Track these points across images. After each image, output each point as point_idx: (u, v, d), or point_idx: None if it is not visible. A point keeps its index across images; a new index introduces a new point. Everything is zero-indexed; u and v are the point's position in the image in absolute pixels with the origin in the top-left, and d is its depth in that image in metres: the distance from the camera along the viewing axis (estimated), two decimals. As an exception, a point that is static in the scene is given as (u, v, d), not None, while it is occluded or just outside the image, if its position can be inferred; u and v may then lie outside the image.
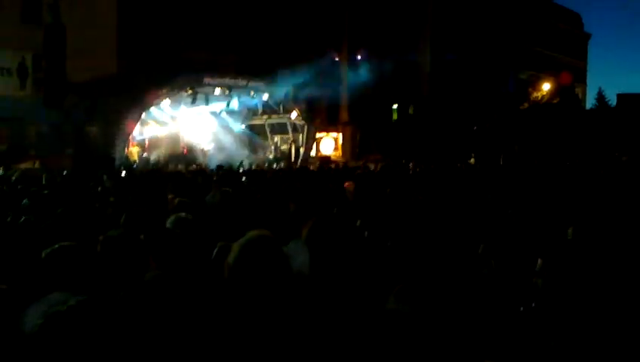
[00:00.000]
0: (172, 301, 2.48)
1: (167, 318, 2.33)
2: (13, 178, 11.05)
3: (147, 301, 2.35)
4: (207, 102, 25.29)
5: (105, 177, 11.05)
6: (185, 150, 28.22)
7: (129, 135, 22.50)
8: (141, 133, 26.38)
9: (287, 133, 29.34)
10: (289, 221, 5.21)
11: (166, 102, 23.67)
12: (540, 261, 2.94)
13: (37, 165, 18.41)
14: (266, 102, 26.11)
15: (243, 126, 29.85)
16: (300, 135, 28.40)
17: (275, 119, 29.06)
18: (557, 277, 3.08)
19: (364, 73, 32.42)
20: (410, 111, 37.39)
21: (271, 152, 29.13)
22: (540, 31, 47.63)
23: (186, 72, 22.55)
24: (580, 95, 50.47)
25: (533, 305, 2.81)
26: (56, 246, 2.56)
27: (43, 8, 17.90)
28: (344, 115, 34.24)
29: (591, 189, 7.34)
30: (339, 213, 5.32)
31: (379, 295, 2.51)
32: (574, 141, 28.73)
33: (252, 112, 29.07)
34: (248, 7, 27.13)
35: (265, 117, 29.00)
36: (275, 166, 23.15)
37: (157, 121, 26.96)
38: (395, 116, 37.39)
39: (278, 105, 26.75)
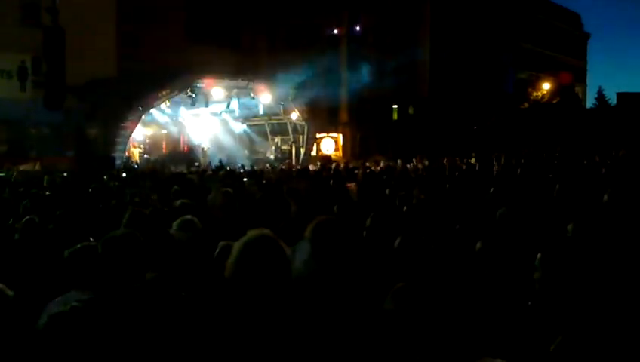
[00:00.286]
0: (173, 301, 2.49)
1: (168, 318, 2.33)
2: (13, 179, 11.07)
3: (148, 301, 2.35)
4: (206, 103, 25.30)
5: (105, 178, 11.06)
6: (186, 151, 28.25)
7: (129, 136, 22.51)
8: (142, 135, 26.39)
9: (287, 133, 29.35)
10: (290, 221, 5.22)
11: (166, 104, 23.68)
12: (539, 255, 2.94)
13: (37, 167, 18.43)
14: (267, 102, 26.11)
15: (244, 126, 29.87)
16: (301, 135, 28.40)
17: (275, 120, 29.09)
18: (556, 274, 3.08)
19: (364, 73, 32.43)
20: (410, 111, 37.39)
21: (271, 153, 29.13)
22: (539, 31, 47.63)
23: (185, 74, 22.56)
24: (580, 94, 50.47)
25: (530, 302, 2.81)
26: (79, 246, 2.55)
27: (42, 11, 17.91)
28: (344, 116, 34.24)
29: (591, 187, 7.33)
30: (341, 213, 5.32)
31: (378, 294, 2.51)
32: (575, 140, 28.70)
33: (252, 113, 29.09)
34: (248, 7, 27.14)
35: (265, 118, 29.02)
36: (275, 166, 23.15)
37: (157, 123, 26.98)
38: (395, 116, 37.39)
39: (278, 106, 26.75)
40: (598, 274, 3.04)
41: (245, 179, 11.34)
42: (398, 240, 3.47)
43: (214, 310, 2.37)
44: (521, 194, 7.07)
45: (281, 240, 2.40)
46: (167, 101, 23.27)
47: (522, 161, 16.66)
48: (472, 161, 19.07)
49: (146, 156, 25.65)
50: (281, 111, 27.14)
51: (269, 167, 20.77)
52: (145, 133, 26.99)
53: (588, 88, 56.14)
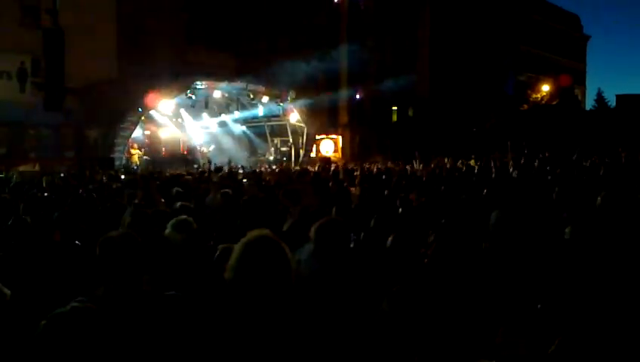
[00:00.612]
0: (172, 302, 2.49)
1: (167, 319, 2.33)
2: (13, 180, 11.07)
3: (147, 302, 2.35)
4: (206, 105, 25.31)
5: (104, 179, 11.06)
6: (185, 152, 28.26)
7: (129, 138, 22.53)
8: (141, 136, 26.40)
9: (286, 135, 29.37)
10: (288, 221, 5.22)
11: (166, 105, 23.69)
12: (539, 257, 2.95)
13: (36, 168, 18.43)
14: (266, 103, 26.13)
15: (243, 128, 29.90)
16: (300, 137, 28.43)
17: (274, 121, 29.11)
18: (555, 277, 3.09)
19: (364, 75, 32.47)
20: (410, 112, 37.43)
21: (271, 154, 29.15)
22: (539, 33, 47.71)
23: (185, 75, 22.58)
24: (580, 96, 50.50)
25: (539, 305, 2.81)
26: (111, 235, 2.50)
27: (41, 12, 17.92)
28: (344, 117, 34.28)
29: (590, 189, 7.34)
30: (340, 215, 5.32)
31: (376, 295, 2.52)
32: (574, 142, 28.73)
33: (252, 115, 29.10)
34: (248, 9, 27.17)
35: (264, 119, 29.04)
36: (275, 167, 23.16)
37: (157, 124, 26.99)
38: (394, 118, 37.42)
39: (277, 107, 26.78)
40: (597, 276, 3.05)
41: (244, 181, 11.34)
42: (389, 240, 3.48)
43: (215, 311, 2.37)
44: (519, 196, 7.08)
45: (282, 241, 2.40)
46: (166, 102, 23.27)
47: (521, 162, 16.66)
48: (472, 162, 19.08)
49: (145, 157, 25.64)
50: (281, 112, 27.17)
51: (268, 168, 20.78)
52: (144, 135, 27.00)
53: (587, 90, 56.21)
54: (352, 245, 4.16)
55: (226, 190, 7.20)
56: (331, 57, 30.79)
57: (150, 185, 7.93)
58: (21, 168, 17.31)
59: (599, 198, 5.02)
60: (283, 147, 29.79)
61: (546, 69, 45.85)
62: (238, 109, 27.21)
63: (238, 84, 24.32)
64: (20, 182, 10.37)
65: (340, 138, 32.57)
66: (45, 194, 7.95)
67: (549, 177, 10.48)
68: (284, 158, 27.82)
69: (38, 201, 6.34)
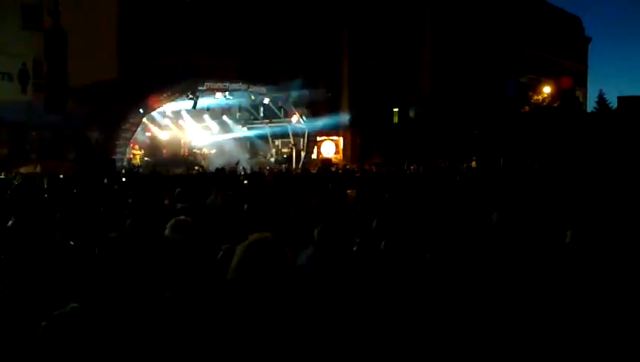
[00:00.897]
0: (173, 303, 2.49)
1: (167, 319, 2.33)
2: (15, 182, 11.07)
3: (146, 302, 2.36)
4: (208, 106, 25.34)
5: (105, 180, 11.07)
6: (186, 153, 28.29)
7: (130, 139, 22.55)
8: (142, 137, 26.44)
9: (288, 137, 29.39)
10: (289, 224, 5.23)
11: (167, 106, 23.72)
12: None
13: (38, 169, 18.45)
14: (267, 105, 26.16)
15: (244, 129, 29.92)
16: (301, 139, 28.44)
17: (276, 123, 29.14)
18: (556, 280, 3.09)
19: (365, 77, 32.48)
20: (411, 114, 37.42)
21: (272, 155, 29.17)
22: (540, 35, 47.69)
23: (186, 77, 22.59)
24: (581, 98, 50.43)
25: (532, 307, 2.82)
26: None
27: (43, 14, 17.96)
28: (344, 119, 34.28)
29: (591, 192, 7.35)
30: (341, 218, 5.34)
31: (378, 297, 2.52)
32: (575, 144, 28.71)
33: (253, 116, 29.13)
34: (248, 10, 27.20)
35: (266, 121, 29.07)
36: (275, 169, 23.18)
37: (158, 125, 27.03)
38: (395, 119, 37.42)
39: (279, 109, 26.81)
40: (596, 279, 3.05)
41: (245, 182, 11.35)
42: (383, 242, 3.49)
43: (215, 312, 2.38)
44: (518, 197, 7.08)
45: (283, 243, 2.41)
46: (168, 104, 23.30)
47: (521, 165, 16.67)
48: (473, 164, 19.11)
49: (146, 159, 25.68)
50: (282, 114, 27.20)
51: (268, 170, 20.79)
52: (146, 136, 27.03)
53: (589, 92, 56.17)
54: (354, 248, 4.17)
55: (227, 191, 7.21)
56: (333, 58, 30.83)
57: (152, 186, 7.95)
58: (22, 169, 17.33)
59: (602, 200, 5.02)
60: (284, 149, 29.81)
61: (547, 71, 45.82)
62: (239, 111, 27.22)
63: (240, 86, 24.35)
64: (21, 184, 10.37)
65: (341, 140, 32.58)
66: (46, 195, 7.95)
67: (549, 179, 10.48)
68: (287, 161, 27.84)
69: (39, 203, 6.36)
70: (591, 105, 49.53)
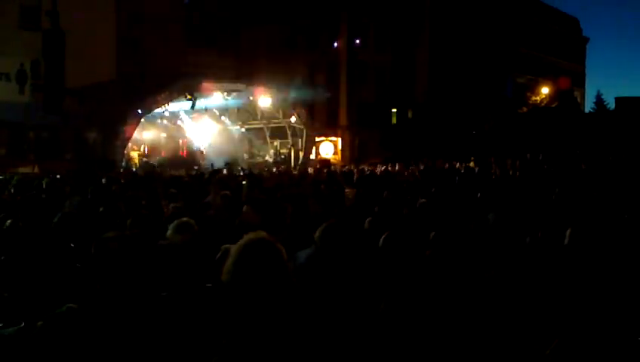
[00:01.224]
0: (170, 303, 2.49)
1: (165, 320, 2.33)
2: (13, 183, 11.04)
3: (143, 303, 2.35)
4: (206, 107, 25.31)
5: (104, 180, 11.05)
6: (185, 154, 28.26)
7: (128, 139, 22.52)
8: (141, 138, 26.40)
9: (286, 137, 29.37)
10: (288, 223, 5.23)
11: (165, 107, 23.69)
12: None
13: (36, 170, 18.42)
14: (266, 106, 26.14)
15: (243, 130, 29.90)
16: (300, 139, 28.43)
17: (274, 123, 29.12)
18: (553, 280, 3.10)
19: (363, 77, 32.51)
20: (410, 115, 37.45)
21: (270, 156, 29.15)
22: (538, 35, 47.74)
23: (185, 77, 22.58)
24: (579, 99, 50.49)
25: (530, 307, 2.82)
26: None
27: (41, 14, 17.95)
28: (343, 119, 34.30)
29: (589, 192, 7.36)
30: (340, 216, 5.33)
31: (377, 296, 2.52)
32: (573, 144, 28.77)
33: (252, 116, 29.12)
34: (248, 10, 27.21)
35: (264, 121, 29.06)
36: (274, 169, 23.18)
37: (157, 126, 27.00)
38: (394, 120, 37.45)
39: (277, 109, 26.80)
40: (595, 278, 3.05)
41: (244, 183, 11.32)
42: (381, 240, 3.49)
43: (212, 312, 2.37)
44: (517, 198, 7.08)
45: (279, 243, 2.41)
46: (166, 104, 23.27)
47: (519, 165, 16.68)
48: (471, 164, 19.10)
49: (145, 159, 25.64)
50: (280, 114, 27.19)
51: (267, 170, 20.78)
52: (144, 136, 27.00)
53: (586, 92, 56.22)
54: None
55: (226, 192, 7.22)
56: (332, 58, 30.84)
57: (154, 187, 7.96)
58: (20, 170, 17.30)
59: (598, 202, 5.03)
60: (283, 149, 29.80)
61: (545, 72, 45.87)
62: (237, 111, 27.22)
63: (238, 85, 24.34)
64: (19, 184, 10.35)
65: (339, 140, 32.59)
66: (44, 196, 7.93)
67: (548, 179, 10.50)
68: (285, 161, 27.82)
69: (37, 203, 6.35)
70: (589, 106, 49.65)
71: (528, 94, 42.32)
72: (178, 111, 26.03)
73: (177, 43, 24.21)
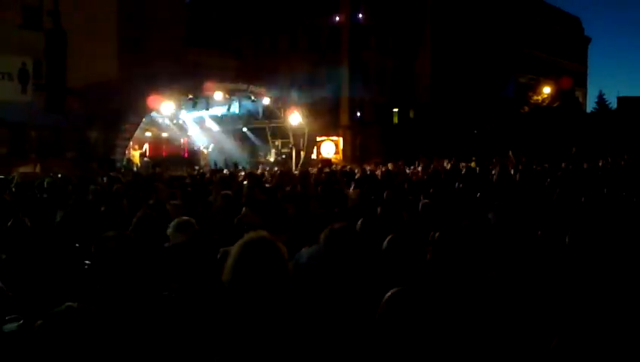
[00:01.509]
0: (170, 302, 2.49)
1: (165, 319, 2.33)
2: (14, 182, 11.06)
3: (144, 302, 2.35)
4: (207, 106, 25.29)
5: (104, 179, 11.06)
6: (186, 154, 28.27)
7: (130, 139, 22.53)
8: (142, 137, 26.40)
9: (287, 136, 29.36)
10: (289, 223, 5.23)
11: (167, 106, 23.69)
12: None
13: (37, 169, 18.44)
14: (267, 105, 26.13)
15: (244, 129, 29.89)
16: (301, 139, 28.41)
17: (275, 123, 29.10)
18: (553, 281, 3.09)
19: (365, 77, 32.51)
20: (411, 115, 37.43)
21: (272, 156, 29.14)
22: (539, 35, 47.70)
23: (186, 76, 22.60)
24: (581, 98, 50.46)
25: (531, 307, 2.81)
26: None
27: (43, 14, 17.98)
28: (344, 119, 34.29)
29: (590, 193, 7.34)
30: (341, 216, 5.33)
31: (374, 298, 2.52)
32: (575, 144, 28.75)
33: (253, 116, 29.11)
34: (249, 10, 27.22)
35: (266, 121, 29.03)
36: (275, 169, 23.17)
37: (158, 125, 27.00)
38: (395, 120, 37.43)
39: (278, 109, 26.78)
40: (594, 278, 3.05)
41: (245, 183, 11.33)
42: (385, 242, 3.49)
43: (213, 312, 2.38)
44: (518, 198, 7.08)
45: (280, 243, 2.41)
46: (167, 103, 23.27)
47: (520, 165, 16.66)
48: (473, 164, 19.09)
49: (146, 159, 25.64)
50: (282, 114, 27.17)
51: (268, 170, 20.78)
52: (145, 136, 27.00)
53: (588, 92, 56.22)
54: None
55: (227, 192, 7.22)
56: (333, 58, 30.84)
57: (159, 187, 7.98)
58: (22, 169, 17.31)
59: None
60: (284, 149, 29.77)
61: (547, 71, 45.84)
62: (239, 111, 27.20)
63: (240, 85, 24.34)
64: (20, 183, 10.36)
65: (340, 140, 32.58)
66: (45, 195, 7.95)
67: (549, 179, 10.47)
68: (286, 161, 27.81)
69: (39, 203, 6.36)
70: (591, 106, 49.64)
71: (530, 94, 42.30)
72: (179, 111, 26.02)
73: (179, 42, 24.22)
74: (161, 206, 6.18)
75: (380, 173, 15.42)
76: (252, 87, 24.46)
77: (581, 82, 54.04)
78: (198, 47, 25.00)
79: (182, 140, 28.78)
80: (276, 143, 30.09)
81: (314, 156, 28.96)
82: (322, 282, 3.23)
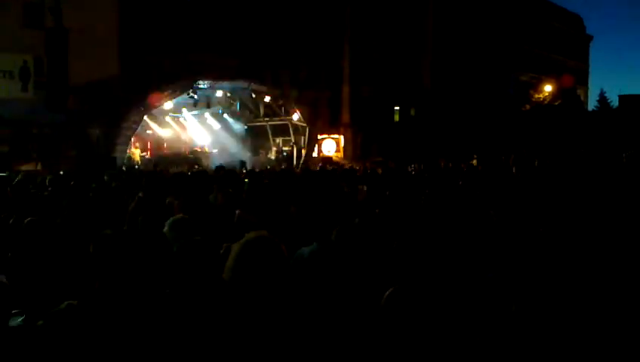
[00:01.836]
0: (169, 300, 2.49)
1: (164, 317, 2.33)
2: (16, 180, 11.07)
3: (144, 301, 2.36)
4: (208, 104, 25.34)
5: (106, 177, 11.06)
6: (187, 151, 28.30)
7: (131, 137, 22.56)
8: (143, 135, 26.44)
9: (288, 134, 29.37)
10: (290, 223, 5.23)
11: (168, 104, 23.71)
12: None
13: (39, 167, 18.46)
14: (268, 103, 26.16)
15: (245, 127, 29.92)
16: (302, 136, 28.44)
17: (276, 121, 29.12)
18: (557, 277, 3.09)
19: (366, 75, 32.45)
20: (412, 112, 37.38)
21: (272, 154, 29.18)
22: (541, 33, 47.61)
23: (187, 75, 22.58)
24: (582, 97, 50.37)
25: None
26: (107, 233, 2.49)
27: (45, 12, 17.97)
28: (345, 117, 34.26)
29: (592, 190, 7.34)
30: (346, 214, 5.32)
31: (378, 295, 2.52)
32: (577, 142, 28.71)
33: (254, 114, 29.12)
34: (249, 8, 27.17)
35: (266, 118, 29.06)
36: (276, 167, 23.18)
37: (159, 123, 27.03)
38: (396, 118, 37.38)
39: (279, 107, 26.80)
40: (594, 277, 3.05)
41: (246, 180, 11.32)
42: (396, 243, 3.48)
43: (212, 310, 2.38)
44: (520, 196, 7.07)
45: (281, 242, 2.41)
46: (169, 102, 23.30)
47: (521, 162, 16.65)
48: (474, 163, 19.11)
49: (147, 157, 25.68)
50: (282, 112, 27.19)
51: (269, 168, 20.79)
52: (146, 134, 27.03)
53: (590, 90, 56.14)
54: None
55: (228, 189, 7.22)
56: (334, 56, 30.76)
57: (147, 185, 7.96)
58: (23, 167, 17.34)
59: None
60: (285, 146, 29.80)
61: (548, 69, 45.76)
62: (239, 108, 27.25)
63: (241, 83, 24.34)
64: (22, 181, 10.37)
65: (341, 137, 32.55)
66: (46, 193, 7.95)
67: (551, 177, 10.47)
68: (287, 158, 27.83)
69: (41, 200, 6.37)
70: (592, 104, 49.49)
71: (531, 92, 42.22)
72: (181, 109, 26.06)
73: (180, 40, 24.18)
74: (153, 200, 6.17)
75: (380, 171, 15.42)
76: (253, 85, 24.47)
77: (582, 80, 53.96)
78: (199, 46, 24.95)
79: (183, 138, 28.81)
80: (277, 141, 30.12)
81: (315, 154, 28.96)
82: (327, 279, 3.24)
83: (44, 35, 16.40)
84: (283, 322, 2.16)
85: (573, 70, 48.99)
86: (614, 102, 44.34)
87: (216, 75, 23.69)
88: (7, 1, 20.97)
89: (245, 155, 27.71)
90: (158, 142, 28.18)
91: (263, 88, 24.99)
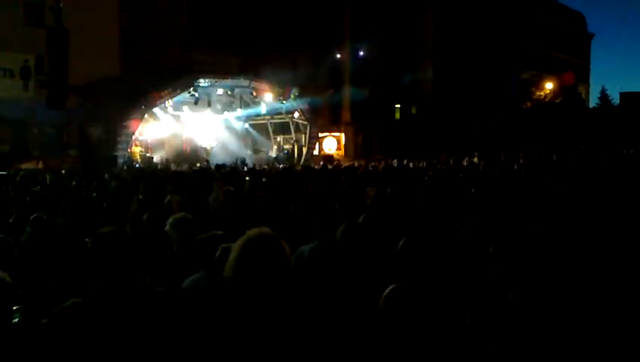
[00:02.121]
0: (168, 298, 2.49)
1: (164, 316, 2.33)
2: (17, 179, 11.08)
3: (145, 299, 2.35)
4: (209, 103, 25.30)
5: (106, 176, 11.07)
6: (188, 150, 28.28)
7: (131, 135, 22.56)
8: (144, 134, 26.41)
9: (289, 132, 29.36)
10: (291, 220, 5.23)
11: (169, 103, 23.69)
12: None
13: (40, 166, 18.48)
14: (269, 101, 26.12)
15: (246, 125, 29.89)
16: (303, 134, 28.42)
17: (277, 119, 29.09)
18: (559, 275, 3.09)
19: (367, 73, 32.46)
20: (413, 110, 37.38)
21: (274, 152, 29.16)
22: (542, 31, 47.57)
23: (188, 73, 22.58)
24: (583, 94, 50.32)
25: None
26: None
27: (45, 11, 17.98)
28: (346, 115, 34.26)
29: (593, 188, 7.33)
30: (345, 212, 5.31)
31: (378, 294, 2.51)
32: (578, 140, 28.70)
33: (255, 112, 29.09)
34: (250, 7, 27.16)
35: (267, 117, 29.03)
36: (277, 165, 23.17)
37: (160, 121, 27.00)
38: (397, 115, 37.38)
39: (280, 105, 26.77)
40: (598, 275, 3.04)
41: (247, 178, 11.32)
42: (402, 242, 3.48)
43: (213, 308, 2.37)
44: (522, 195, 7.06)
45: (282, 239, 2.40)
46: (169, 100, 23.28)
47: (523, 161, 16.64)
48: (475, 160, 19.10)
49: (147, 154, 25.66)
50: (284, 110, 27.16)
51: (270, 166, 20.78)
52: (147, 132, 27.00)
53: (591, 88, 56.11)
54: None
55: (229, 187, 7.20)
56: (335, 55, 30.77)
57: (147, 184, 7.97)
58: (24, 166, 17.36)
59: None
60: (286, 144, 29.78)
61: (549, 67, 45.71)
62: (241, 107, 27.21)
63: (242, 81, 24.33)
64: (23, 178, 10.38)
65: (342, 136, 32.56)
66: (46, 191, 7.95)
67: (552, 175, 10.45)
68: (288, 156, 27.82)
69: (42, 199, 6.36)
70: (593, 101, 49.50)
71: (532, 90, 42.21)
72: (181, 107, 26.03)
73: (180, 39, 24.19)
74: (153, 200, 6.18)
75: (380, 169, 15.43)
76: (254, 84, 24.45)
77: (584, 78, 53.90)
78: (199, 44, 24.95)
79: (183, 137, 28.78)
80: (278, 139, 30.10)
81: (316, 152, 28.96)
82: (330, 278, 3.23)
83: (44, 33, 16.38)
84: (285, 320, 2.15)
85: (575, 68, 48.93)
86: (615, 99, 44.32)
87: (218, 73, 23.68)
88: (8, 0, 20.99)
89: (246, 153, 27.70)
90: (158, 141, 28.14)
91: (264, 86, 24.97)
